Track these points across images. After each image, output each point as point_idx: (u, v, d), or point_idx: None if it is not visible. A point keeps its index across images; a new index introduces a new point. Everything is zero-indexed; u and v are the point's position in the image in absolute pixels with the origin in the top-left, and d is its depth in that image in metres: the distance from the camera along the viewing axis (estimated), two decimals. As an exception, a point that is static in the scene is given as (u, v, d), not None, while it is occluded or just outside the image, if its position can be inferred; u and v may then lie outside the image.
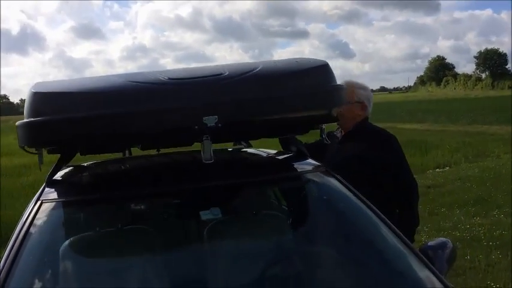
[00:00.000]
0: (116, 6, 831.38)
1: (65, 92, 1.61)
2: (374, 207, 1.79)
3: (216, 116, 1.51)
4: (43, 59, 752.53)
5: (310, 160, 2.14)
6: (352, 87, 2.52)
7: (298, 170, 2.11)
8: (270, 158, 2.31)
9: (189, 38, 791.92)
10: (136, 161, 2.51)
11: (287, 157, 2.31)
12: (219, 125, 1.51)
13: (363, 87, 2.59)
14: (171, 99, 1.56)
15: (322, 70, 1.74)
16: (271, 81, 1.66)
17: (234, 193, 1.91)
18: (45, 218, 1.76)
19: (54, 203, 1.82)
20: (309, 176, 2.04)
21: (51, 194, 1.89)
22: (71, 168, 2.19)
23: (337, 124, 2.53)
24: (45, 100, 1.56)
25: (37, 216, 1.73)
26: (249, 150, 2.55)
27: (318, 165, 2.08)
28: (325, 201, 2.00)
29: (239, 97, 1.58)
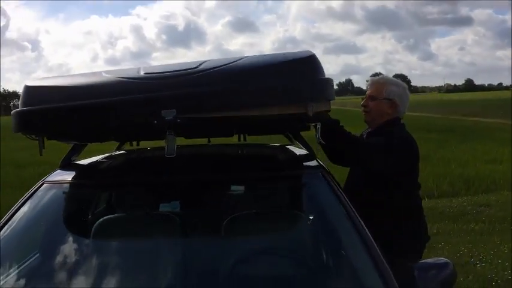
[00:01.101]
0: (269, 1, 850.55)
1: (43, 86, 1.73)
2: (357, 218, 1.71)
3: (174, 110, 1.49)
4: (203, 51, 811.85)
5: (309, 159, 2.12)
6: (384, 82, 2.34)
7: (285, 170, 2.05)
8: (264, 155, 2.34)
9: (340, 29, 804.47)
10: (143, 153, 2.63)
11: (285, 154, 2.33)
12: (178, 120, 1.49)
13: (397, 84, 2.35)
14: (133, 93, 1.57)
15: (295, 64, 1.65)
16: (234, 75, 1.61)
17: (208, 188, 1.91)
18: (39, 197, 1.92)
19: (53, 184, 1.97)
20: (295, 176, 1.99)
21: (56, 176, 2.05)
22: (84, 158, 2.33)
23: (365, 122, 2.39)
24: (26, 93, 1.70)
25: (34, 195, 1.92)
26: (250, 144, 2.61)
27: (314, 166, 2.03)
28: (303, 205, 1.95)
29: (198, 91, 1.54)
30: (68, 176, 2.03)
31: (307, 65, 1.66)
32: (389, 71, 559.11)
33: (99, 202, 2.27)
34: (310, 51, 1.73)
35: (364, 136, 2.40)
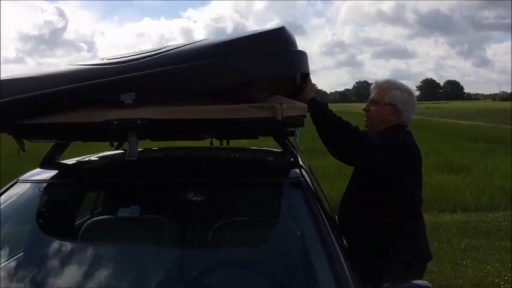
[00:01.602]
0: (318, 3, 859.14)
1: (11, 79, 1.72)
2: (328, 231, 1.62)
3: (133, 93, 1.46)
4: None
5: (290, 164, 2.07)
6: (388, 86, 2.19)
7: (259, 176, 1.97)
8: (248, 159, 2.31)
9: (389, 33, 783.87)
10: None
11: (265, 159, 2.29)
12: (138, 121, 1.46)
13: (401, 89, 2.19)
14: (93, 79, 1.55)
15: (260, 38, 1.61)
16: (194, 53, 1.57)
17: (185, 193, 1.88)
18: (9, 195, 1.95)
19: (25, 183, 2.00)
20: (268, 183, 1.92)
21: (32, 175, 2.08)
22: (64, 159, 2.34)
23: (366, 127, 2.23)
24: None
25: (5, 193, 1.96)
26: (236, 148, 2.61)
27: (292, 172, 1.97)
28: (272, 215, 1.86)
29: (157, 71, 1.51)
30: (43, 175, 2.04)
31: (273, 38, 1.62)
32: (441, 77, 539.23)
33: (72, 203, 2.26)
34: (281, 25, 1.69)
35: None
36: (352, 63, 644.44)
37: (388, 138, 2.08)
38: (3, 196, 1.91)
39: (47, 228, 1.94)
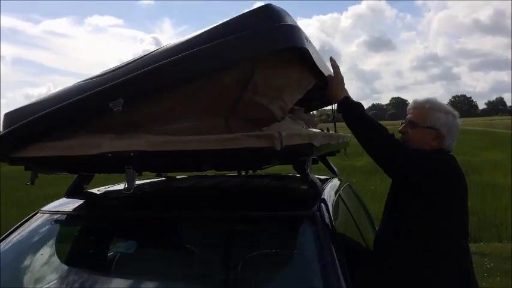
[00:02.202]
0: (408, 16, 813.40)
1: (13, 110, 1.75)
2: (336, 275, 1.53)
3: (121, 99, 1.47)
4: None
5: (307, 195, 1.92)
6: (430, 107, 1.96)
7: (271, 210, 1.84)
8: (261, 189, 2.21)
9: (488, 44, 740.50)
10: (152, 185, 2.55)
11: (283, 189, 2.17)
12: (131, 154, 1.48)
13: (445, 111, 1.97)
14: (84, 93, 1.57)
15: (244, 17, 1.56)
16: (177, 48, 1.55)
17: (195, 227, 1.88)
18: (29, 226, 1.99)
19: (46, 213, 2.03)
20: (280, 218, 1.80)
21: (54, 205, 2.10)
22: (89, 190, 2.32)
23: None
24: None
25: (26, 223, 1.99)
26: (252, 176, 2.53)
27: (310, 206, 1.80)
28: (283, 250, 1.80)
29: (140, 72, 1.51)
30: (66, 206, 2.06)
31: (256, 15, 1.56)
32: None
33: (90, 235, 2.22)
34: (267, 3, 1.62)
35: None
36: (447, 76, 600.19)
37: (429, 157, 1.88)
38: (23, 227, 1.95)
39: (66, 261, 1.96)
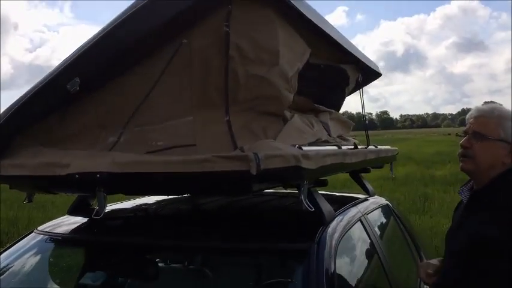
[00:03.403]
0: (504, 15, 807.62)
1: None
2: None
3: (77, 78, 1.45)
4: (424, 76, 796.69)
5: (310, 226, 1.66)
6: (499, 116, 1.59)
7: (263, 241, 1.63)
8: (258, 214, 1.98)
9: None
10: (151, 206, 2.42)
11: (282, 216, 1.94)
12: (98, 175, 1.36)
13: None
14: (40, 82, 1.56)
15: None
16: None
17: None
18: (22, 246, 1.95)
19: (41, 235, 1.97)
20: (272, 252, 1.60)
21: (50, 225, 2.04)
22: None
23: (464, 171, 1.64)
24: None
25: (19, 242, 1.97)
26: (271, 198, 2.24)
27: (306, 238, 1.59)
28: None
29: (89, 46, 1.47)
30: (61, 226, 1.99)
31: None
32: None
33: (78, 258, 2.19)
34: None
35: (464, 203, 1.66)
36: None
37: None
38: (15, 246, 1.93)
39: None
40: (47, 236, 1.94)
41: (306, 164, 1.43)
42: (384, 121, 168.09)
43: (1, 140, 1.61)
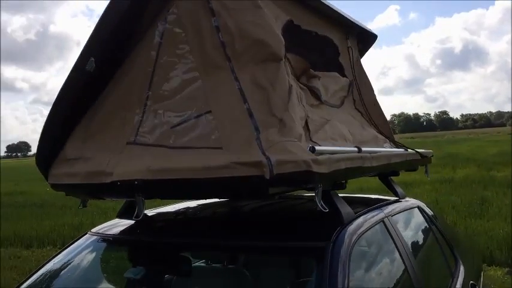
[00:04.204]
0: None
1: None
2: None
3: (92, 58, 1.68)
4: (485, 73, 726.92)
5: (329, 225, 1.74)
6: None
7: (282, 240, 1.73)
8: (280, 215, 2.08)
9: None
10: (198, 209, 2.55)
11: (303, 216, 2.04)
12: (136, 182, 1.55)
13: None
14: None
15: None
16: None
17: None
18: (75, 247, 2.14)
19: (94, 236, 2.16)
20: (290, 249, 1.71)
21: (101, 228, 2.22)
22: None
23: None
24: None
25: (73, 244, 2.15)
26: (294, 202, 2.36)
27: (323, 236, 1.66)
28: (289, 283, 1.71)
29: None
30: (111, 228, 2.17)
31: None
32: None
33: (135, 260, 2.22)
34: None
35: None
36: None
37: None
38: (72, 246, 2.14)
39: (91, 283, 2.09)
40: (99, 237, 2.14)
41: (317, 169, 1.49)
42: (444, 121, 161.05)
43: (52, 147, 1.85)
